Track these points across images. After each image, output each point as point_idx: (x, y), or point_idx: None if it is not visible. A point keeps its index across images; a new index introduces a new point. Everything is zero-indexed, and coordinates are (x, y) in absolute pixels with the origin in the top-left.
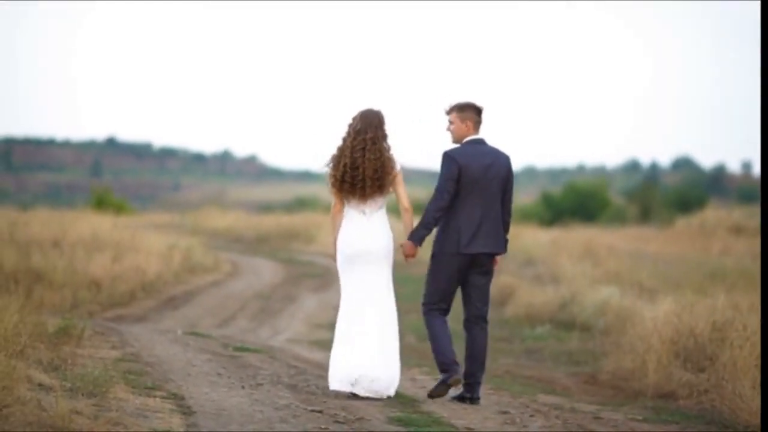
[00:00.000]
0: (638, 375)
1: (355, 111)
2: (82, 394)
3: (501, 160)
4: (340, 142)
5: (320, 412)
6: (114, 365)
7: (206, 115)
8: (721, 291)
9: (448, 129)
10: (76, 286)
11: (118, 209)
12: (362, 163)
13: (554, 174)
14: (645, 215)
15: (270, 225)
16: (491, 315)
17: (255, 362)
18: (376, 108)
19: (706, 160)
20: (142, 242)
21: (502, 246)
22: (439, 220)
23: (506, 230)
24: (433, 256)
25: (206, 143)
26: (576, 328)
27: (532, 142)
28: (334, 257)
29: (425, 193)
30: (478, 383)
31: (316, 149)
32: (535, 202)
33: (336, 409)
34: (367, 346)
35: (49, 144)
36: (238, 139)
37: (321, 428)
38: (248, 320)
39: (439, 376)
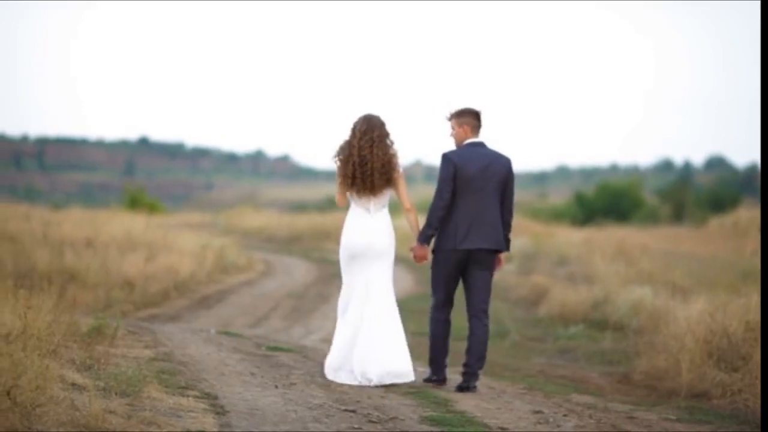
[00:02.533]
0: (672, 375)
1: (357, 116)
2: (116, 394)
3: (499, 163)
4: (345, 144)
5: (353, 411)
6: (147, 365)
7: (239, 114)
8: (754, 290)
9: (451, 135)
10: (110, 286)
11: (151, 209)
12: (371, 159)
13: (587, 173)
14: (678, 215)
15: (303, 224)
16: (523, 314)
17: (288, 362)
18: (375, 113)
19: (740, 160)
20: (175, 242)
21: (500, 243)
22: (442, 218)
23: (508, 229)
24: (434, 252)
25: (239, 143)
26: (609, 328)
27: (565, 141)
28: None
29: None
30: (474, 374)
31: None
32: (568, 202)
33: (369, 408)
34: (364, 341)
35: (82, 144)
36: (271, 138)
37: (354, 428)
38: (281, 320)
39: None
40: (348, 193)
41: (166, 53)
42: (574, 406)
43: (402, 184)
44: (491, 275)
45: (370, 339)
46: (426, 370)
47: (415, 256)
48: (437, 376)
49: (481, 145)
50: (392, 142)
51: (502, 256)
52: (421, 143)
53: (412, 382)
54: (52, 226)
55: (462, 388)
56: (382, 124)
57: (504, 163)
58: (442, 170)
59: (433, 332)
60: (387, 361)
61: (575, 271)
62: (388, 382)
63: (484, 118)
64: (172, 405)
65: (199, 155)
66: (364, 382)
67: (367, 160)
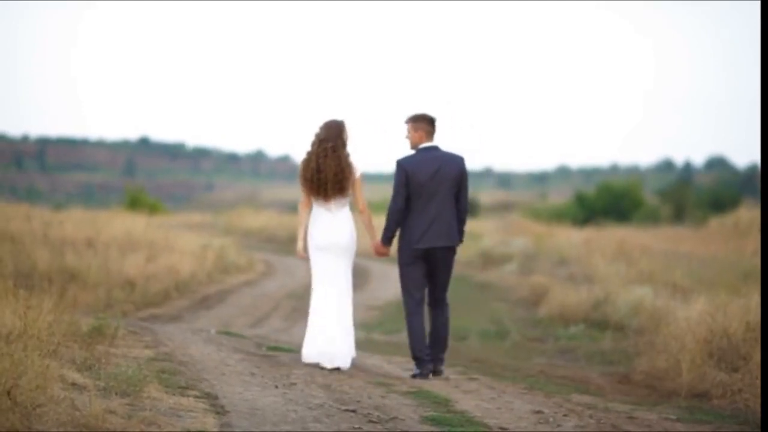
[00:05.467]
0: (672, 375)
1: (322, 121)
2: (116, 394)
3: (450, 163)
4: (310, 149)
5: (354, 411)
6: (147, 365)
7: (240, 115)
8: (754, 291)
9: (406, 137)
10: (110, 286)
11: (152, 209)
12: (324, 169)
13: (587, 174)
14: (678, 215)
15: None
16: (524, 315)
17: (288, 362)
18: (339, 119)
19: (740, 160)
20: (175, 242)
21: (455, 239)
22: (399, 221)
23: (462, 224)
24: (398, 251)
25: (239, 143)
26: (609, 328)
27: (566, 141)
28: (300, 249)
29: None
30: (440, 359)
31: (349, 149)
32: (569, 202)
33: (369, 408)
34: (330, 326)
35: (83, 144)
36: (271, 138)
37: (354, 428)
38: (282, 320)
39: (413, 365)
40: (310, 196)
41: (167, 53)
42: (575, 406)
43: (358, 187)
44: (450, 269)
45: (331, 327)
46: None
47: (376, 252)
48: (422, 370)
49: (434, 148)
50: (348, 153)
51: (457, 248)
52: None
53: (350, 367)
54: (53, 226)
55: (433, 372)
56: (339, 134)
57: (457, 163)
58: (395, 177)
59: (411, 329)
60: (339, 347)
61: (575, 272)
62: (337, 365)
63: (489, 119)
64: (173, 405)
65: (200, 155)
66: (326, 365)
67: (322, 168)
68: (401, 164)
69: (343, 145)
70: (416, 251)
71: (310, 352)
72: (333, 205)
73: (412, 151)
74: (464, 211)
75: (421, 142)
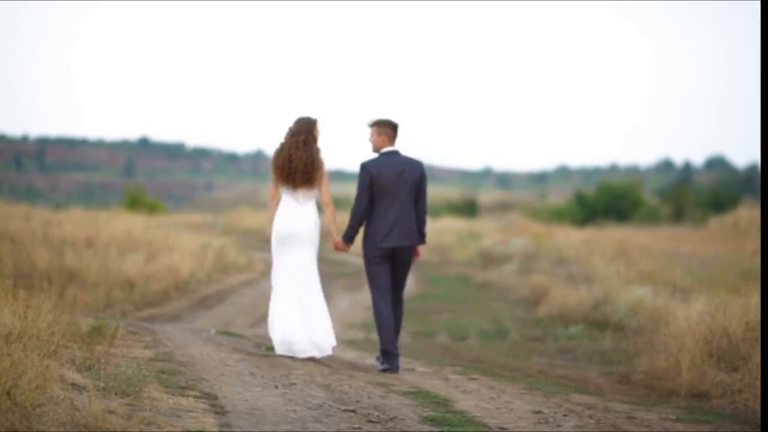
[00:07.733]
0: (671, 374)
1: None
2: (116, 394)
3: (411, 168)
4: (282, 141)
5: (353, 411)
6: (147, 365)
7: (239, 114)
8: (754, 290)
9: (369, 140)
10: (110, 286)
11: (152, 209)
12: (295, 158)
13: (587, 173)
14: (678, 215)
15: None
16: (523, 314)
17: (288, 362)
18: (312, 117)
19: (740, 160)
20: (175, 242)
21: (416, 239)
22: (361, 221)
23: (423, 225)
24: (363, 250)
25: (239, 143)
26: (609, 328)
27: (566, 141)
28: (269, 235)
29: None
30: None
31: (348, 149)
32: (568, 202)
33: (369, 408)
34: (289, 315)
35: (83, 144)
36: (271, 138)
37: (354, 428)
38: None
39: (381, 360)
40: (279, 186)
41: (166, 53)
42: (574, 406)
43: (324, 182)
44: (409, 266)
45: (297, 315)
46: (425, 370)
47: (335, 247)
48: (390, 365)
49: (396, 153)
50: (318, 149)
51: (420, 248)
52: (423, 144)
53: (332, 354)
54: (53, 226)
55: (386, 370)
56: (310, 129)
57: (416, 167)
58: (360, 179)
59: (378, 320)
60: (312, 334)
61: (575, 271)
62: (312, 354)
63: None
64: (172, 405)
65: (200, 155)
66: (291, 353)
67: (293, 158)
68: (366, 167)
69: (314, 140)
70: (381, 250)
71: (276, 342)
72: (301, 195)
73: (375, 154)
74: (423, 213)
75: (384, 146)
